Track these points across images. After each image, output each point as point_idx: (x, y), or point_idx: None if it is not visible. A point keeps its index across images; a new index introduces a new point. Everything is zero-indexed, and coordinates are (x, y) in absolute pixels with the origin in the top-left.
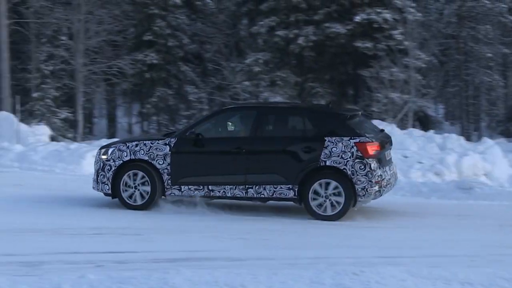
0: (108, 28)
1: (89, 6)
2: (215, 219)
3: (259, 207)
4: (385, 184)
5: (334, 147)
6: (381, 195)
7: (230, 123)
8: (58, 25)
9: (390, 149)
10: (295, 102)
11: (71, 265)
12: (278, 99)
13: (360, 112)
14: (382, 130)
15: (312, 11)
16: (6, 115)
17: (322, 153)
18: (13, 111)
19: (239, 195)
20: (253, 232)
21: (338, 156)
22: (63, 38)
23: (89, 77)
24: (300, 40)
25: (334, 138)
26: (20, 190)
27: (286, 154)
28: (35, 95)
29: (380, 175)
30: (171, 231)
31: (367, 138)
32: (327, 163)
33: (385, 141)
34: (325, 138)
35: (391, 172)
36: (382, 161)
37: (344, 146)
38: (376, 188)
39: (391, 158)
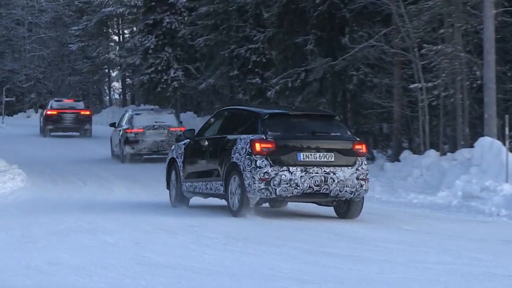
0: None
1: None
2: None
3: None
4: (287, 185)
5: (240, 144)
6: (281, 197)
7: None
8: None
9: (332, 152)
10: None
11: None
12: None
13: (290, 112)
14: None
15: None
16: (490, 141)
17: (233, 150)
18: (501, 137)
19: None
20: None
21: (239, 153)
22: None
23: None
24: None
25: (244, 136)
26: (500, 247)
27: (220, 151)
28: None
29: (268, 173)
30: None
31: (262, 136)
32: (233, 159)
33: (304, 142)
34: (239, 136)
35: (326, 177)
36: (285, 161)
37: (244, 143)
38: (262, 185)
39: (341, 166)
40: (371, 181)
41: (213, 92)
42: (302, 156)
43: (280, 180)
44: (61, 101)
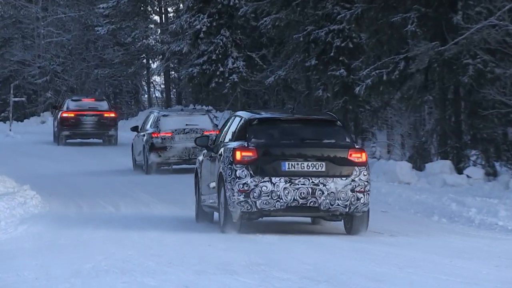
0: None
1: None
2: None
3: None
4: (268, 197)
5: (226, 152)
6: (263, 210)
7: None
8: None
9: (325, 161)
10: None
11: None
12: None
13: (291, 116)
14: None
15: None
16: None
17: (221, 159)
18: None
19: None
20: None
21: (224, 162)
22: None
23: None
24: None
25: (232, 143)
26: None
27: (214, 159)
28: None
29: (247, 184)
30: None
31: (244, 143)
32: (220, 169)
33: (287, 150)
34: (227, 143)
35: (314, 189)
36: (267, 171)
37: (228, 152)
38: (241, 198)
39: (334, 176)
40: (492, 203)
41: (284, 88)
42: (287, 165)
43: (261, 192)
44: (80, 100)
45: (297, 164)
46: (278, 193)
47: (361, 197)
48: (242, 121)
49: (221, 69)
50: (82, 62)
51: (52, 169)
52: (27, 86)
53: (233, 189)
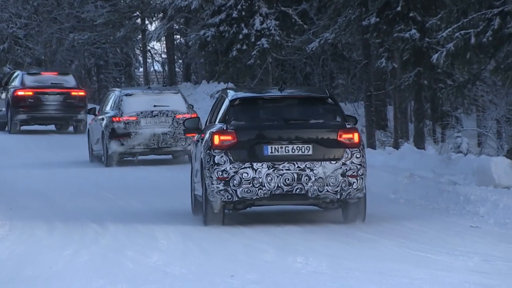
0: None
1: None
2: None
3: None
4: (249, 185)
5: (206, 136)
6: (245, 199)
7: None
8: None
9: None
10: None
11: None
12: None
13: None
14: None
15: None
16: None
17: (203, 144)
18: None
19: None
20: None
21: (204, 147)
22: None
23: None
24: None
25: (212, 127)
26: None
27: (198, 143)
28: None
29: (226, 171)
30: None
31: (222, 126)
32: (201, 155)
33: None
34: (211, 126)
35: (299, 174)
36: (248, 156)
37: (208, 136)
38: (221, 186)
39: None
40: None
41: (333, 56)
42: (270, 149)
43: (241, 179)
44: (39, 74)
45: (281, 147)
46: (261, 180)
47: (354, 182)
48: (225, 101)
49: (245, 31)
50: (53, 24)
51: (8, 168)
52: None
53: (211, 177)
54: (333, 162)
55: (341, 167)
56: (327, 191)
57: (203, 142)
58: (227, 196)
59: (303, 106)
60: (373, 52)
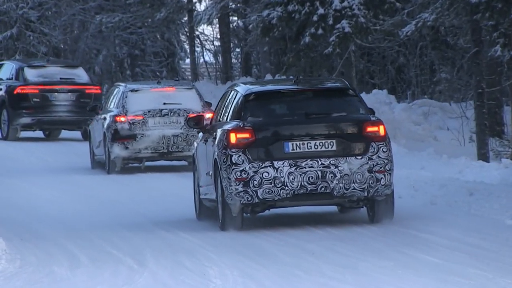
0: None
1: None
2: None
3: None
4: (271, 185)
5: (219, 135)
6: (266, 200)
7: None
8: None
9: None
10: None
11: None
12: None
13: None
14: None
15: None
16: None
17: (216, 143)
18: None
19: None
20: None
21: (218, 146)
22: None
23: None
24: None
25: (225, 123)
26: None
27: (209, 142)
28: None
29: (245, 171)
30: None
31: (239, 123)
32: (215, 155)
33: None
34: (223, 123)
35: (324, 172)
36: (268, 154)
37: (222, 134)
38: (240, 188)
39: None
40: None
41: (433, 43)
42: (291, 146)
43: (261, 180)
44: (43, 66)
45: (303, 144)
46: (282, 179)
47: (381, 178)
48: (238, 96)
49: (321, 11)
50: (74, 3)
51: (11, 184)
52: None
53: (229, 178)
54: (359, 157)
55: (367, 163)
56: (354, 188)
57: (217, 141)
58: (247, 198)
59: (323, 99)
60: (485, 38)
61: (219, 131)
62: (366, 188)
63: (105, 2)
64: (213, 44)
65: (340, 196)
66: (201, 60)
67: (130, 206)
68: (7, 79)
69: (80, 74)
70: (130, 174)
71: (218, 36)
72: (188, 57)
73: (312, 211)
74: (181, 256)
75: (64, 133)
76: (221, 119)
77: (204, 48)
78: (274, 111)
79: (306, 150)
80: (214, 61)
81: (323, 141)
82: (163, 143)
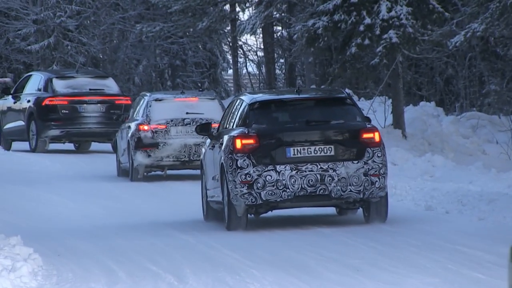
0: None
1: None
2: None
3: None
4: (273, 188)
5: (225, 141)
6: (269, 202)
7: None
8: None
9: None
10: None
11: None
12: None
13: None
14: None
15: None
16: None
17: (221, 148)
18: None
19: None
20: None
21: (224, 151)
22: None
23: None
24: None
25: (231, 130)
26: None
27: (216, 148)
28: None
29: (249, 174)
30: None
31: (244, 130)
32: (221, 160)
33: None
34: (229, 130)
35: (322, 175)
36: (271, 158)
37: (228, 140)
38: (244, 190)
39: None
40: None
41: (483, 53)
42: (292, 151)
43: (265, 182)
44: (72, 78)
45: (303, 149)
46: (284, 182)
47: (376, 181)
48: (243, 105)
49: (368, 20)
50: (114, 12)
51: (42, 197)
52: (14, 56)
53: (235, 181)
54: (355, 161)
55: (363, 167)
56: (350, 190)
57: (223, 147)
58: (251, 199)
59: (323, 107)
60: None
61: (225, 138)
62: (362, 190)
63: (145, 11)
64: (256, 54)
65: (338, 198)
66: (244, 71)
67: (158, 215)
68: (36, 90)
69: (110, 85)
70: (153, 182)
71: (262, 46)
72: (230, 68)
73: (352, 224)
74: (222, 272)
75: (94, 145)
76: (227, 126)
77: (247, 59)
78: (277, 118)
79: (307, 155)
80: (257, 72)
81: (322, 147)
82: (184, 151)
